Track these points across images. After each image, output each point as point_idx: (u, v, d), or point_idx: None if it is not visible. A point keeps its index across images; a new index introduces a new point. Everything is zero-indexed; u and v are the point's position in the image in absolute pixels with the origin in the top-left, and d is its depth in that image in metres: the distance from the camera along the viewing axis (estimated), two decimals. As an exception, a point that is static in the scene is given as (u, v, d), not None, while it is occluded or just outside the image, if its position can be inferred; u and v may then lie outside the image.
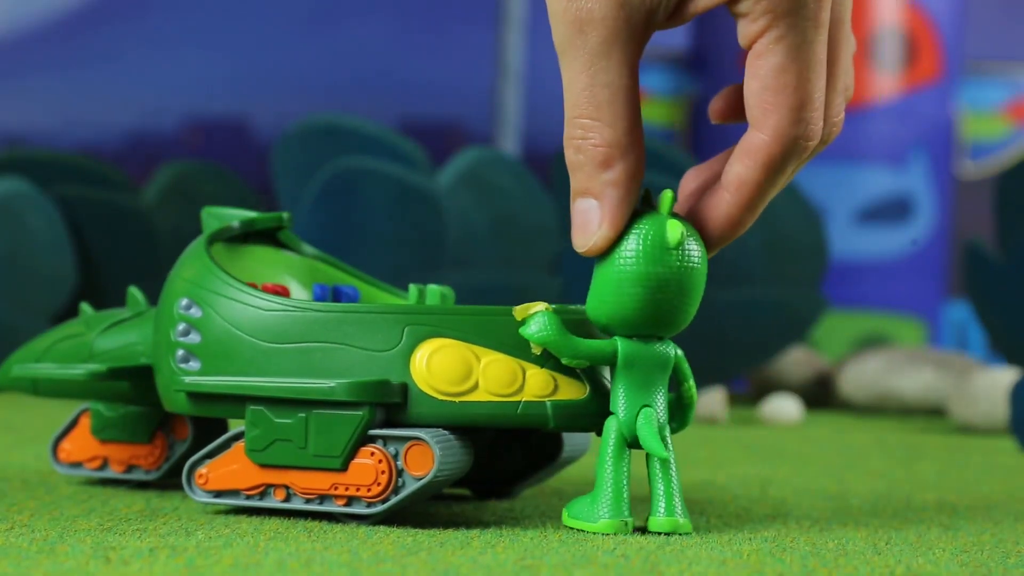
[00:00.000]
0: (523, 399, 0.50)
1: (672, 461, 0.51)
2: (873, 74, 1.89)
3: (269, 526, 0.50)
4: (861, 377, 1.39)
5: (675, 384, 0.53)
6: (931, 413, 1.37)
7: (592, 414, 0.51)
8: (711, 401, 1.19)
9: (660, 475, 0.51)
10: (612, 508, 0.50)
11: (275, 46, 2.28)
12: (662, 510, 0.50)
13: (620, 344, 0.50)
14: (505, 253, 1.29)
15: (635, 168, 0.49)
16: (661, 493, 0.50)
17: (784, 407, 1.21)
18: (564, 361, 0.51)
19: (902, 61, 1.91)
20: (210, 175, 1.51)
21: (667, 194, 0.50)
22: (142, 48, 2.26)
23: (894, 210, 1.91)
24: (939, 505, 0.64)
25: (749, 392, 1.51)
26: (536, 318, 0.50)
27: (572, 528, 0.51)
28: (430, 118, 2.27)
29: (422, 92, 2.28)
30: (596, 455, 0.51)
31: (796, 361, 1.47)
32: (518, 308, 0.51)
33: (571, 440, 0.59)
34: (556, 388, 0.51)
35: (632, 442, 0.51)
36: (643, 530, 0.51)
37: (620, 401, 0.51)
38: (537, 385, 0.50)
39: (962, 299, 1.91)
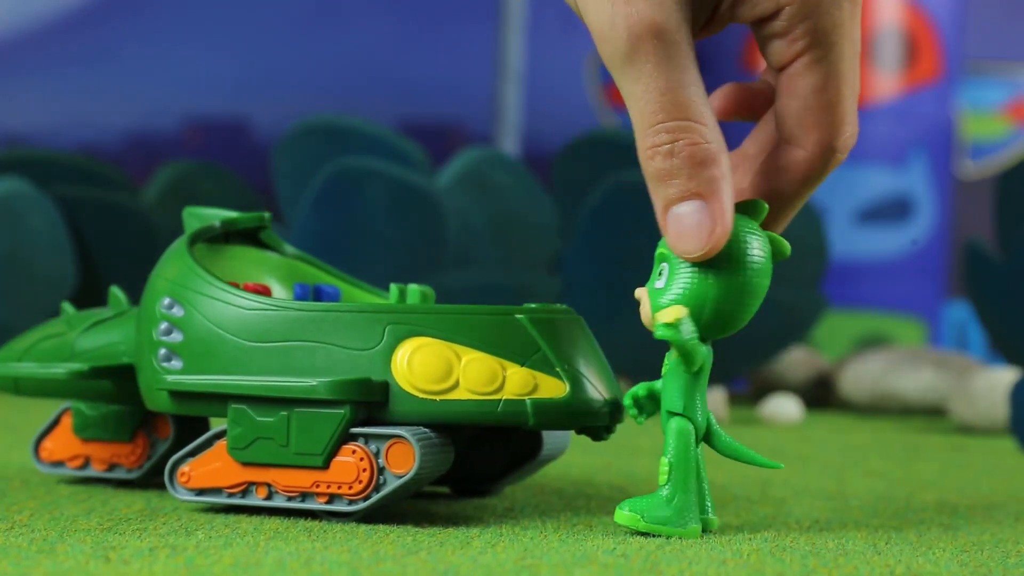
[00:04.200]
0: (503, 397, 0.51)
1: (702, 461, 0.51)
2: (873, 74, 1.89)
3: (269, 526, 0.50)
4: (861, 377, 1.39)
5: None
6: (931, 413, 1.37)
7: (572, 412, 0.51)
8: (711, 401, 1.19)
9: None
10: (698, 511, 0.50)
11: (275, 46, 2.28)
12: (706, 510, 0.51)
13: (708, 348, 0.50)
14: (505, 253, 1.29)
15: (730, 163, 0.48)
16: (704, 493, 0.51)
17: (784, 407, 1.21)
18: (687, 369, 0.50)
19: (902, 61, 1.91)
20: (210, 175, 1.51)
21: (765, 206, 0.50)
22: (142, 48, 2.26)
23: (894, 210, 1.91)
24: (939, 505, 0.64)
25: (749, 392, 1.51)
26: (685, 322, 0.49)
27: (651, 533, 0.50)
28: (430, 118, 2.27)
29: (422, 92, 2.28)
30: (667, 456, 0.50)
31: (796, 361, 1.47)
32: (666, 311, 0.49)
33: (551, 438, 0.59)
34: (536, 387, 0.51)
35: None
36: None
37: (696, 404, 0.50)
38: (517, 384, 0.51)
39: (962, 299, 1.91)
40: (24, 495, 0.57)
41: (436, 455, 0.51)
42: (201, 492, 0.53)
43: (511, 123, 2.15)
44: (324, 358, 0.51)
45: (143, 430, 0.60)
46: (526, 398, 0.51)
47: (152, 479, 0.61)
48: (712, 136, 0.47)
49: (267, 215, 0.61)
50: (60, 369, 0.59)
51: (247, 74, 2.27)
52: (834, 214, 1.86)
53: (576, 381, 0.52)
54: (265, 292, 0.56)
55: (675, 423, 0.50)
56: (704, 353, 0.49)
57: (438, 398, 0.50)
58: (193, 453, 0.53)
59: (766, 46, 0.49)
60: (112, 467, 0.61)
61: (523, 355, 0.51)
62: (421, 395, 0.51)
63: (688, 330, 0.49)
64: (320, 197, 1.24)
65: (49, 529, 0.48)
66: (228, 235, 0.60)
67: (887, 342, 1.87)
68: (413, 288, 0.60)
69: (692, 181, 0.47)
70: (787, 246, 0.50)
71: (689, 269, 0.49)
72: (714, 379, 1.26)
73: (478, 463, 0.60)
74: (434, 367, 0.51)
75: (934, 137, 1.93)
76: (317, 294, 0.60)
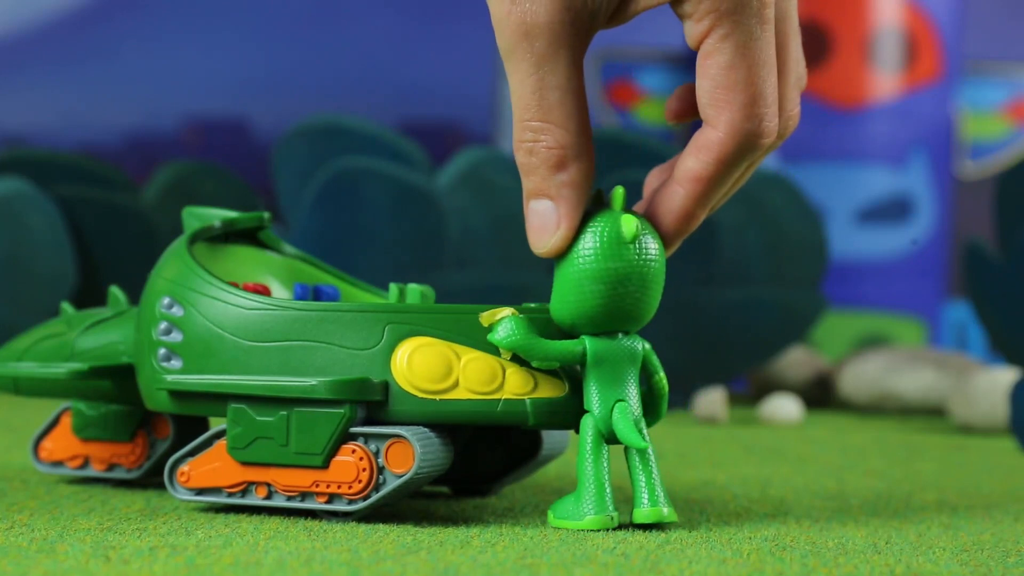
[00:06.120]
0: (503, 397, 0.51)
1: (651, 452, 0.52)
2: (873, 74, 1.89)
3: (269, 525, 0.50)
4: (861, 377, 1.39)
5: (645, 378, 0.53)
6: (931, 413, 1.37)
7: (571, 411, 0.52)
8: (711, 401, 1.18)
9: (640, 468, 0.51)
10: (596, 504, 0.51)
11: (275, 46, 2.28)
12: (646, 501, 0.51)
13: (588, 342, 0.51)
14: (505, 253, 1.29)
15: (588, 168, 0.50)
16: (643, 485, 0.51)
17: (784, 407, 1.21)
18: (535, 364, 0.51)
19: (902, 61, 1.91)
20: (210, 175, 1.51)
21: (619, 190, 0.51)
22: (142, 48, 2.26)
23: (894, 210, 1.91)
24: (939, 505, 0.64)
25: (749, 392, 1.51)
26: (503, 323, 0.51)
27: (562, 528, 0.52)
28: (430, 118, 2.27)
29: (422, 92, 2.28)
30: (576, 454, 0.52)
31: (796, 361, 1.47)
32: (484, 314, 0.52)
33: (550, 438, 0.59)
34: (536, 386, 0.51)
35: (609, 437, 0.51)
36: (629, 525, 0.51)
37: (593, 398, 0.51)
38: (517, 383, 0.51)
39: (962, 299, 1.91)
40: (24, 495, 0.57)
41: (435, 454, 0.51)
42: (201, 492, 0.53)
43: (511, 123, 2.15)
44: (324, 358, 0.51)
45: (143, 430, 0.61)
46: (526, 398, 0.51)
47: (152, 479, 0.61)
48: (570, 142, 0.49)
49: (267, 215, 0.61)
50: (60, 369, 0.59)
51: (247, 74, 2.27)
52: (834, 214, 1.86)
53: (575, 381, 0.52)
54: (265, 292, 0.56)
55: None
56: (537, 348, 0.51)
57: (438, 398, 0.51)
58: (193, 453, 0.54)
59: (684, 28, 0.50)
60: (112, 467, 0.61)
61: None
62: (421, 395, 0.51)
63: (504, 330, 0.51)
64: (320, 197, 1.24)
65: (49, 529, 0.48)
66: (228, 235, 0.60)
67: (887, 342, 1.87)
68: (413, 288, 0.60)
69: (545, 182, 0.50)
70: (629, 229, 0.50)
71: (556, 266, 0.51)
72: (714, 379, 1.27)
73: (478, 463, 0.60)
74: (434, 367, 0.51)
75: (934, 137, 1.93)
76: (317, 294, 0.60)
